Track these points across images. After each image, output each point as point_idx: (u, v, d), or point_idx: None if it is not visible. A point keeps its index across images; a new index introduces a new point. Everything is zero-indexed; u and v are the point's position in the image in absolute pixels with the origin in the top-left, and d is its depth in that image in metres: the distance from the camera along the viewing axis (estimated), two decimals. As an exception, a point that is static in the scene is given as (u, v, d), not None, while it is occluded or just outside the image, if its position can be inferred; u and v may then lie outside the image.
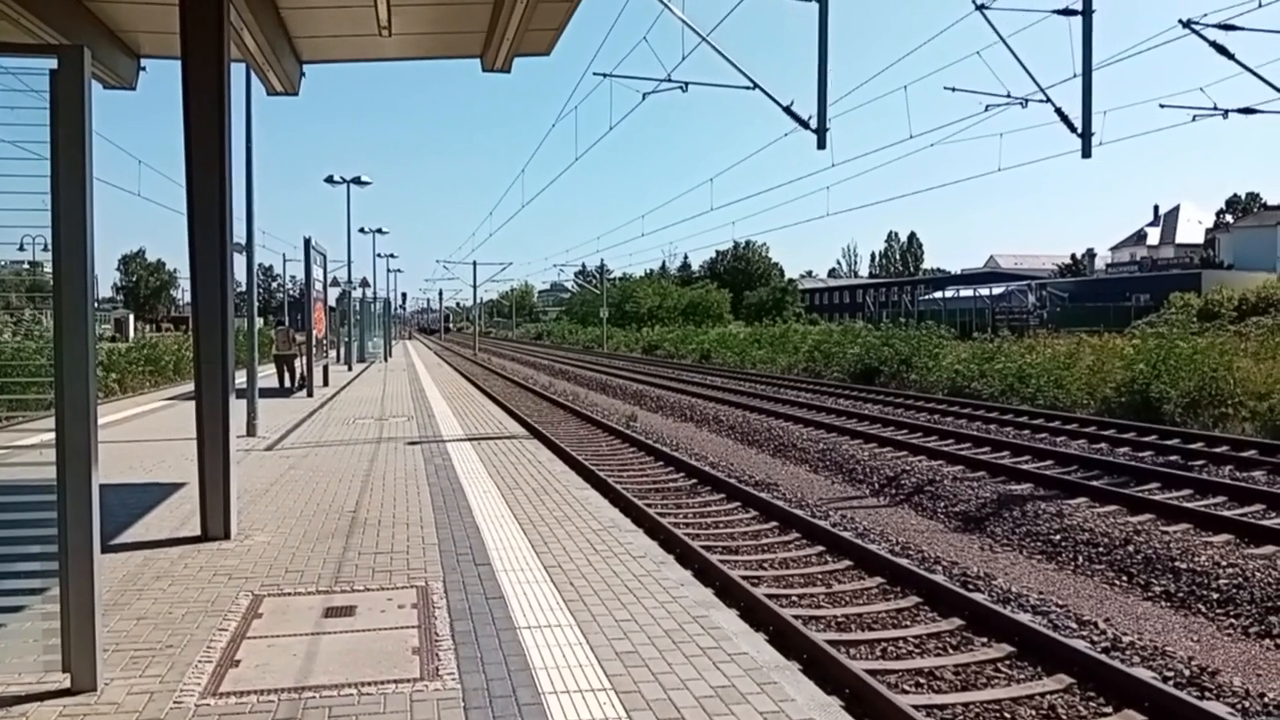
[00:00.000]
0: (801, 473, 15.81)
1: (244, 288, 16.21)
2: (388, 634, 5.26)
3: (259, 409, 15.05)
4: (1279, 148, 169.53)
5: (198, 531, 7.61)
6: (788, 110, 15.96)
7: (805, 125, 15.72)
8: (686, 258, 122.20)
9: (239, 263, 17.81)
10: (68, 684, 4.40)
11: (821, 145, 15.75)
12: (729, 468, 15.77)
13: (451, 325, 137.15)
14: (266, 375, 24.19)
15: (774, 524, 11.16)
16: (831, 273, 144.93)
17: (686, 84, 18.93)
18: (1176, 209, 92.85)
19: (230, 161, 7.77)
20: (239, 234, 16.69)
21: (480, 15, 10.15)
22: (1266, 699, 6.22)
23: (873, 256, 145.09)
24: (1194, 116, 18.03)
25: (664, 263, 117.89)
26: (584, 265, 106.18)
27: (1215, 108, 17.79)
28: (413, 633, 5.26)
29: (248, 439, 13.93)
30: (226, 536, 7.53)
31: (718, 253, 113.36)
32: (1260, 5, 15.95)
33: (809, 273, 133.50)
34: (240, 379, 16.21)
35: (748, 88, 16.82)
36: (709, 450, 18.13)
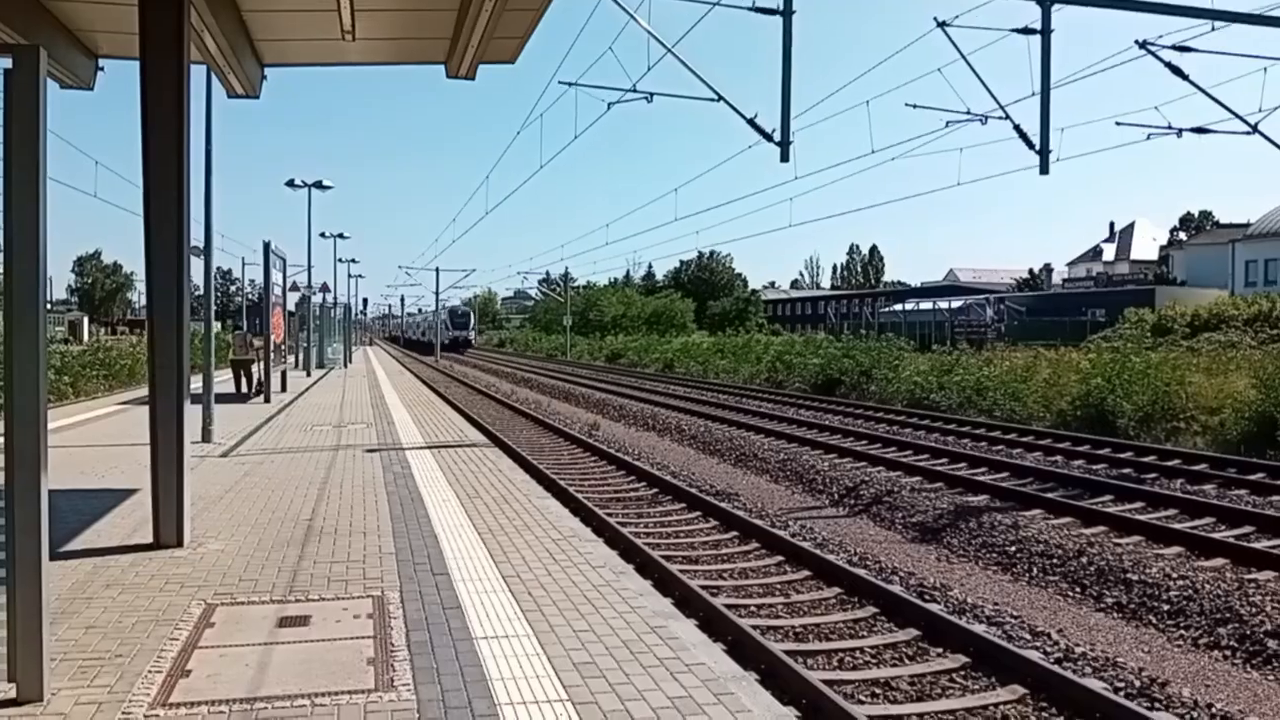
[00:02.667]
0: (762, 483, 15.88)
1: (201, 291, 16.01)
2: (342, 644, 5.20)
3: (215, 414, 14.84)
4: (1231, 167, 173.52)
5: (150, 539, 7.48)
6: (751, 123, 16.04)
7: (769, 138, 15.81)
8: (651, 267, 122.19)
9: (196, 266, 17.66)
10: (13, 694, 4.30)
11: (785, 158, 15.84)
12: (690, 477, 15.79)
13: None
14: (223, 380, 23.89)
15: (734, 534, 11.19)
16: (794, 284, 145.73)
17: (651, 94, 19.00)
18: (1132, 226, 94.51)
19: (189, 164, 7.68)
20: (197, 236, 16.54)
21: (445, 22, 10.11)
22: (1214, 709, 6.34)
23: (835, 268, 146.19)
24: (1149, 135, 18.42)
25: (628, 272, 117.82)
26: (548, 273, 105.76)
27: (1169, 127, 18.17)
28: (368, 643, 5.21)
29: (203, 445, 13.73)
30: (179, 544, 7.41)
31: (682, 262, 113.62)
32: (1213, 28, 16.34)
33: (772, 284, 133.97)
34: (196, 384, 16.03)
35: (712, 99, 16.91)
36: (671, 459, 18.15)
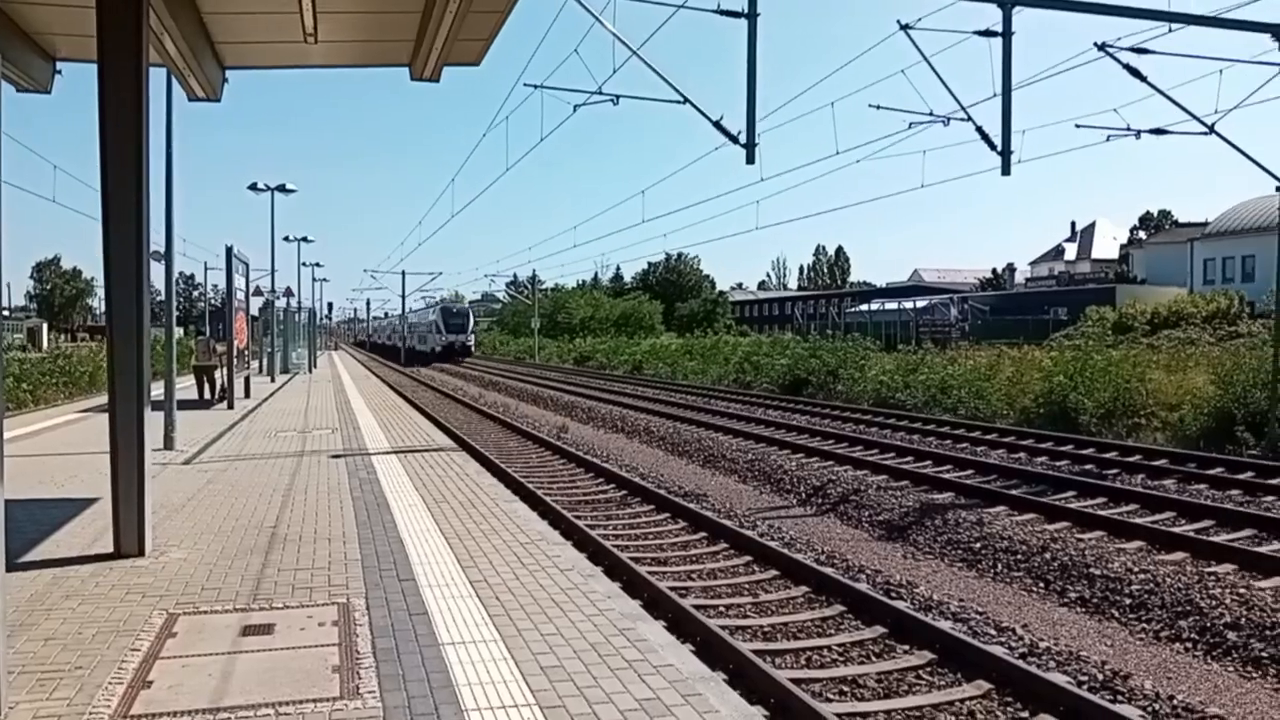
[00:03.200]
0: (730, 483, 15.92)
1: (162, 296, 15.81)
2: (307, 652, 5.16)
3: (177, 421, 14.66)
4: (1189, 167, 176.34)
5: (111, 548, 7.37)
6: (717, 125, 16.07)
7: (735, 140, 15.85)
8: (619, 269, 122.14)
9: (157, 271, 17.43)
10: (-32, 709, 4.23)
11: (750, 160, 15.88)
12: (659, 479, 15.80)
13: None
14: (186, 387, 23.61)
15: (703, 534, 11.22)
16: (761, 285, 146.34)
17: (618, 97, 18.98)
18: (1093, 225, 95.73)
19: (148, 167, 7.58)
20: (157, 241, 16.34)
21: (408, 24, 10.05)
22: (1175, 701, 6.43)
23: (801, 269, 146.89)
24: (1108, 136, 18.65)
25: (596, 274, 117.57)
26: (515, 276, 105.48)
27: (1128, 128, 18.41)
28: (333, 650, 5.17)
29: (165, 452, 13.55)
30: (141, 553, 7.32)
31: (650, 264, 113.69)
32: (1170, 30, 16.60)
33: (739, 285, 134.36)
34: (157, 390, 15.82)
35: (678, 102, 16.93)
36: (640, 461, 18.15)
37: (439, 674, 4.83)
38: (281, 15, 9.60)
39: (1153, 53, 16.61)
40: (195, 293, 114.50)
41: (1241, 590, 8.47)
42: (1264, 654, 7.35)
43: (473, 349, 72.87)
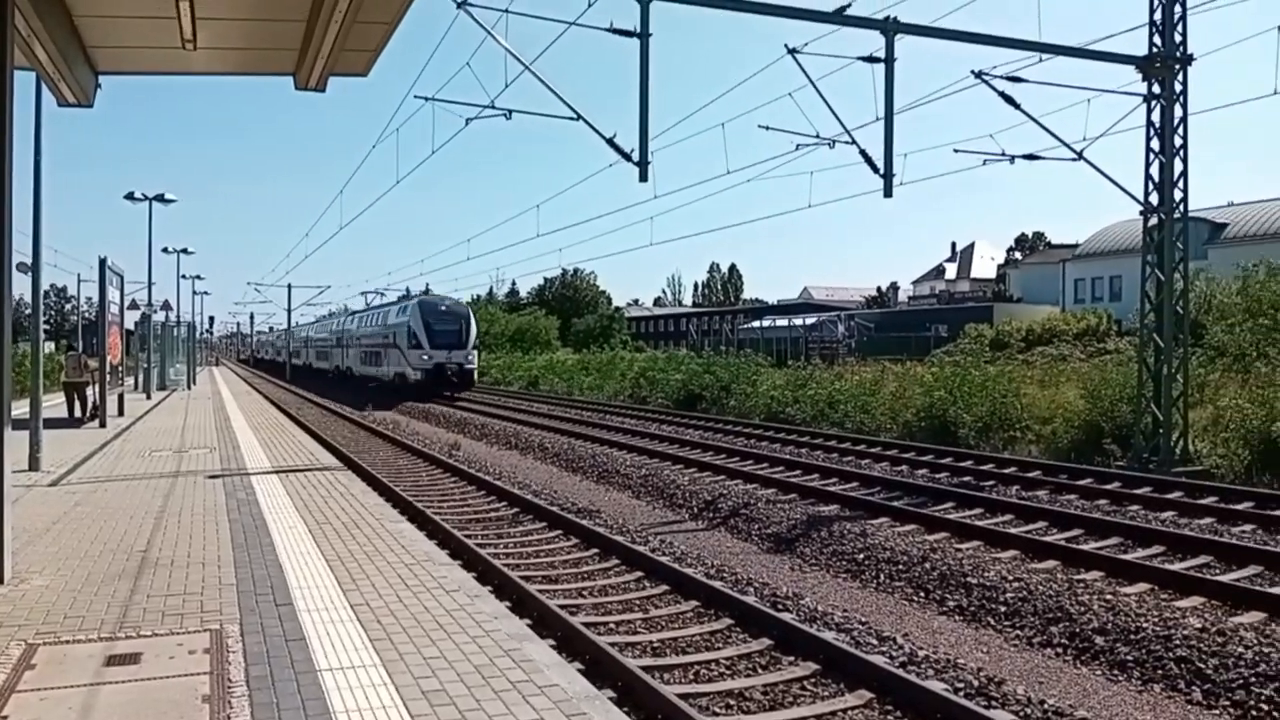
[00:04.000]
0: (624, 499, 15.94)
1: (30, 309, 15.06)
2: (176, 682, 4.94)
3: (44, 440, 13.92)
4: (1061, 191, 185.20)
5: (-36, 577, 6.95)
6: (610, 142, 16.14)
7: (628, 158, 15.93)
8: (515, 284, 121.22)
9: (23, 282, 16.56)
10: None
11: (644, 178, 15.98)
12: (552, 496, 15.71)
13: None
14: (55, 404, 22.48)
15: (595, 551, 11.19)
16: (657, 301, 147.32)
17: (510, 111, 18.89)
18: (972, 246, 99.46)
19: (11, 175, 7.22)
20: (25, 251, 15.56)
21: (292, 33, 9.81)
22: (1046, 705, 6.68)
23: (696, 286, 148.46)
24: (984, 161, 19.37)
25: (491, 289, 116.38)
26: (408, 289, 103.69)
27: (1004, 154, 19.18)
28: (204, 679, 4.96)
29: (29, 474, 12.87)
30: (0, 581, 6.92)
31: (546, 280, 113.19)
32: (1041, 60, 17.44)
33: (635, 301, 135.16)
34: (23, 408, 15.01)
35: (571, 118, 16.95)
36: (533, 478, 18.02)
37: (315, 701, 4.68)
38: (158, 20, 9.26)
39: (1026, 81, 17.43)
40: (68, 306, 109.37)
41: (1108, 596, 8.86)
42: (1129, 657, 7.71)
43: (474, 376, 44.03)
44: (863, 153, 16.87)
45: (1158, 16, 17.26)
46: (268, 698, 4.71)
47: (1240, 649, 7.42)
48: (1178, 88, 17.34)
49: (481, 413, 32.20)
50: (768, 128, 18.58)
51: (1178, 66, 17.21)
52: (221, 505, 10.50)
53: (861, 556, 11.04)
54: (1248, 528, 12.06)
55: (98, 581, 7.06)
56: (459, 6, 15.74)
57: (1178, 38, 17.17)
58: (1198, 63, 17.28)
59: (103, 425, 20.52)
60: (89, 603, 6.48)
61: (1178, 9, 17.17)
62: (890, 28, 16.16)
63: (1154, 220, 17.80)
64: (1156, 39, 17.30)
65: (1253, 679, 7.01)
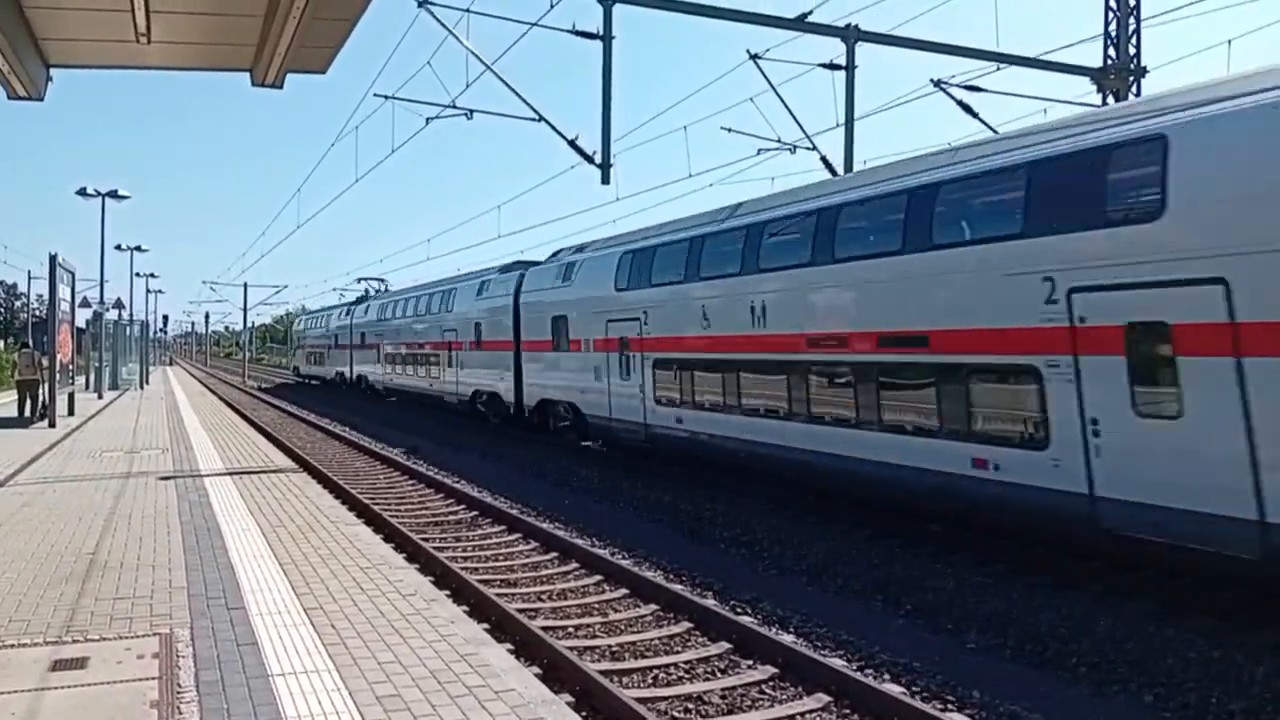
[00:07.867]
0: (588, 503, 15.84)
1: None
2: (124, 687, 4.84)
3: (-11, 441, 13.61)
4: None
5: (-97, 581, 6.76)
6: (572, 144, 16.10)
7: (590, 160, 15.91)
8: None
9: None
10: None
11: (606, 180, 15.96)
12: (513, 498, 15.59)
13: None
14: (5, 403, 22.01)
15: (555, 554, 11.13)
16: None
17: (472, 111, 18.78)
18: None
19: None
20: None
21: (250, 29, 9.67)
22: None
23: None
24: (944, 168, 19.57)
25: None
26: (367, 290, 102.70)
27: (962, 160, 19.38)
28: (152, 685, 4.86)
29: (-27, 475, 12.56)
30: (-61, 586, 6.73)
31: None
32: (999, 69, 17.67)
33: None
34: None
35: (533, 119, 16.89)
36: (494, 482, 17.86)
37: (267, 707, 4.60)
38: (111, 13, 9.09)
39: (983, 90, 17.63)
40: (18, 303, 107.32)
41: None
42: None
43: None
44: (823, 158, 17.03)
45: (1112, 29, 17.57)
46: (218, 703, 4.62)
47: None
48: (1131, 98, 17.64)
49: (442, 416, 31.90)
50: (730, 130, 18.67)
51: (1131, 78, 17.52)
52: (173, 507, 10.31)
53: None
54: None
55: (44, 584, 6.90)
56: (420, 5, 15.65)
57: (1131, 50, 17.48)
58: (1151, 75, 17.63)
59: (52, 425, 20.08)
60: (35, 606, 6.33)
61: (1132, 22, 17.49)
62: (851, 35, 16.30)
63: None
64: (1111, 51, 17.60)
65: None
